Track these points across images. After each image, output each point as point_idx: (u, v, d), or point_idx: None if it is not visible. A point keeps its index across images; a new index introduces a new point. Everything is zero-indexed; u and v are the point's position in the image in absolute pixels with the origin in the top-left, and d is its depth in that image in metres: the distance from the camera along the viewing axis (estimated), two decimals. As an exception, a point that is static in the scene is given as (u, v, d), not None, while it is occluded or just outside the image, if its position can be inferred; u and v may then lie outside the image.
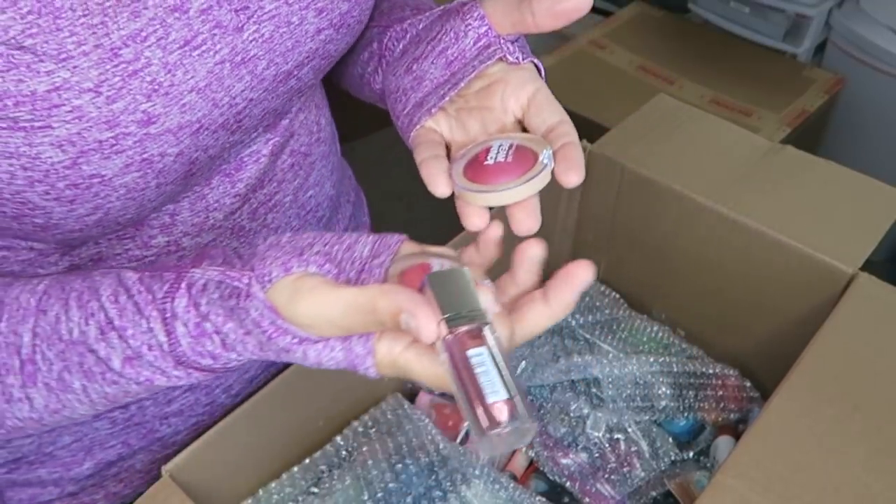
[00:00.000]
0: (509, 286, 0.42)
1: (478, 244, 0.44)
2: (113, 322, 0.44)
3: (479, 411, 0.35)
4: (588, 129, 0.88)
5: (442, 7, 0.54)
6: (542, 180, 0.44)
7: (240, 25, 0.48)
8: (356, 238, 0.42)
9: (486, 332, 0.38)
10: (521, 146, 0.46)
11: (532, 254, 0.41)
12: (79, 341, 0.45)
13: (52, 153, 0.42)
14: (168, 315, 0.43)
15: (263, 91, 0.52)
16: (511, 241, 0.43)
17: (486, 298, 0.39)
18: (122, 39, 0.43)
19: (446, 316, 0.37)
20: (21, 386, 0.46)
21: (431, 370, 0.39)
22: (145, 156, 0.45)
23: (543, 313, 0.40)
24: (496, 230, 0.43)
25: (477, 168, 0.45)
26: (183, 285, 0.43)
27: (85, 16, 0.42)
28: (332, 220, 0.70)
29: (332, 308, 0.38)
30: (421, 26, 0.55)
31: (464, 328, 0.37)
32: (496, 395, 0.35)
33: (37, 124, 0.41)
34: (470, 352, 0.36)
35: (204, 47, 0.46)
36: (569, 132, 0.46)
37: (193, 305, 0.42)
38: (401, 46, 0.56)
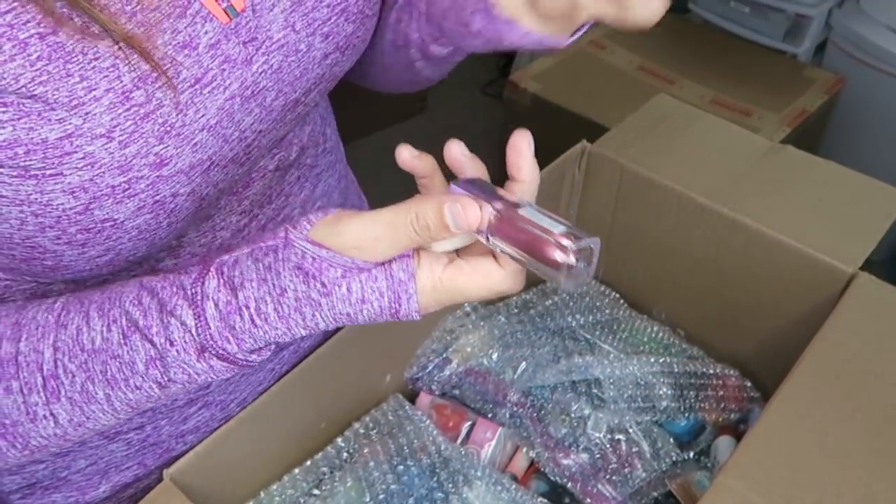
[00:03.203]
0: None
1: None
2: (137, 323, 0.44)
3: (550, 247, 0.39)
4: (588, 129, 0.88)
5: None
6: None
7: (248, 58, 0.47)
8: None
9: (522, 203, 0.41)
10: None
11: None
12: (101, 349, 0.44)
13: (64, 200, 0.42)
14: (199, 298, 0.43)
15: (272, 122, 0.51)
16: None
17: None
18: (133, 82, 0.42)
19: (483, 201, 0.41)
20: (45, 403, 0.45)
21: (475, 278, 0.41)
22: (157, 198, 0.45)
23: None
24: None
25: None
26: (212, 269, 0.43)
27: (96, 59, 0.41)
28: None
29: (377, 223, 0.40)
30: None
31: (504, 204, 0.41)
32: (558, 228, 0.39)
33: (48, 172, 0.41)
34: (520, 210, 0.40)
35: (214, 84, 0.46)
36: None
37: (224, 283, 0.42)
38: None
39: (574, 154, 0.79)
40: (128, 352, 0.44)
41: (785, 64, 1.69)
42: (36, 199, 0.42)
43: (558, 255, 0.39)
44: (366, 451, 0.67)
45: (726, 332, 0.79)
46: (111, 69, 0.41)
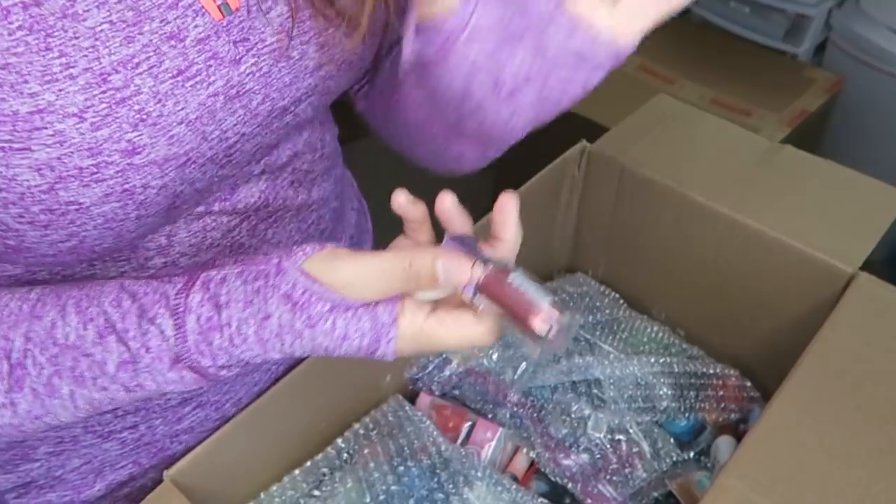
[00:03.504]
0: None
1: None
2: (115, 325, 0.44)
3: (534, 318, 0.41)
4: (588, 129, 0.88)
5: None
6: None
7: (237, 58, 0.47)
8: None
9: (510, 267, 0.43)
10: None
11: None
12: (74, 346, 0.44)
13: (30, 176, 0.41)
14: (181, 309, 0.43)
15: (257, 126, 0.50)
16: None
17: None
18: (112, 65, 0.42)
19: (475, 261, 0.43)
20: (7, 391, 0.45)
21: (455, 331, 0.43)
22: (126, 186, 0.44)
23: None
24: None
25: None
26: (197, 283, 0.44)
27: (76, 38, 0.40)
28: (336, 230, 0.68)
29: (371, 267, 0.42)
30: None
31: (493, 266, 0.43)
32: (545, 299, 0.41)
33: (16, 146, 0.40)
34: (509, 278, 0.42)
35: (198, 78, 0.45)
36: None
37: (209, 299, 0.43)
38: None
39: (574, 154, 0.79)
40: (101, 352, 0.44)
41: (785, 64, 1.69)
42: (1, 172, 0.41)
43: (540, 327, 0.41)
44: (366, 451, 0.67)
45: (726, 332, 0.79)
46: (90, 49, 0.41)
